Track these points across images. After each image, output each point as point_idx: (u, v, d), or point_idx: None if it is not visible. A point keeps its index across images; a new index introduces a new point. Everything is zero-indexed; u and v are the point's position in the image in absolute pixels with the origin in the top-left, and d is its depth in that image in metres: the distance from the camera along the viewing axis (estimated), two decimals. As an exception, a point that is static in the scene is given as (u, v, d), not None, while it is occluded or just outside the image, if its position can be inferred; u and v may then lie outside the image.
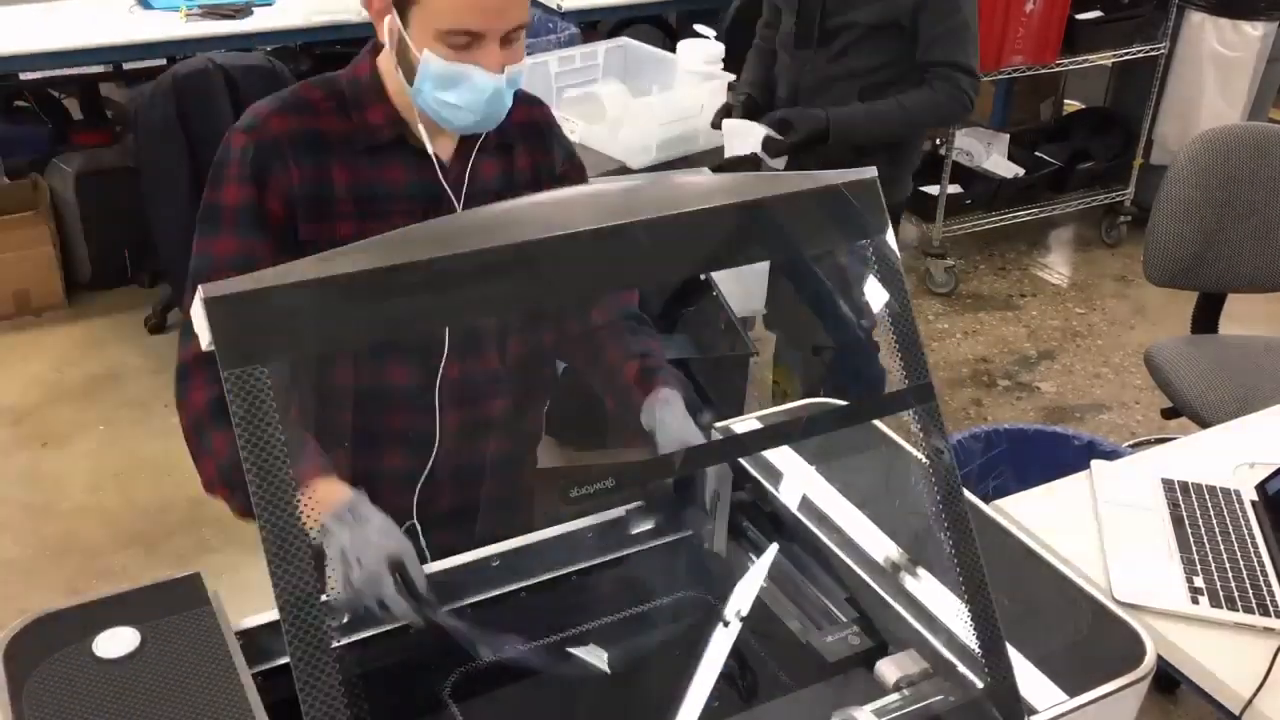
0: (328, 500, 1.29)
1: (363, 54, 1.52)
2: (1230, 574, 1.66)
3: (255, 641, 1.21)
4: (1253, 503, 1.81)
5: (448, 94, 1.42)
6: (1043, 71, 4.21)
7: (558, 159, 1.63)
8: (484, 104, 1.42)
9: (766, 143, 2.53)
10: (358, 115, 1.48)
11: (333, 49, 4.78)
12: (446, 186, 1.51)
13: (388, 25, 1.42)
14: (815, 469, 1.49)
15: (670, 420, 1.47)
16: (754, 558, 1.52)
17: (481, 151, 1.53)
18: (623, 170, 2.94)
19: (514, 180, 1.57)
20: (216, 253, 1.45)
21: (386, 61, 1.48)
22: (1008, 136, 4.61)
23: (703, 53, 3.16)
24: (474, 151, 1.52)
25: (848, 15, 2.54)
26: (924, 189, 4.28)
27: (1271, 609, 1.61)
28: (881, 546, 1.36)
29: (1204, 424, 2.49)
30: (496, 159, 1.56)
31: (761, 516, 1.50)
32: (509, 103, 1.46)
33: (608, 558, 1.49)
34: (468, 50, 1.39)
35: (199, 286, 0.90)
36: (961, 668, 1.21)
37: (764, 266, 2.53)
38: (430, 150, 1.49)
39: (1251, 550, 1.72)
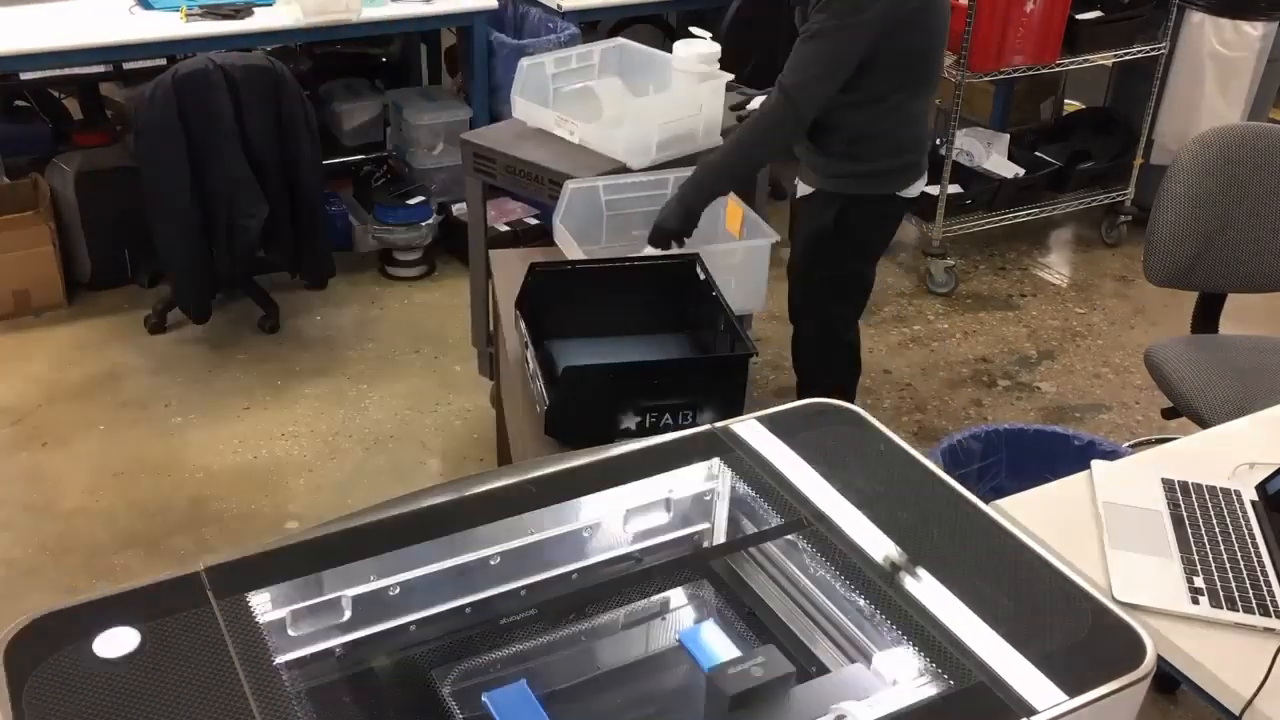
0: None
1: None
2: (1230, 574, 1.66)
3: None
4: (1253, 503, 1.81)
5: None
6: (1043, 71, 4.21)
7: None
8: None
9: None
10: None
11: (333, 49, 4.79)
12: None
13: None
14: (814, 467, 1.49)
15: None
16: (752, 555, 1.53)
17: None
18: (623, 170, 2.93)
19: None
20: None
21: None
22: (1008, 136, 4.61)
23: (698, 52, 3.15)
24: None
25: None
26: (924, 189, 4.27)
27: (1271, 609, 1.61)
28: (878, 544, 1.36)
29: (1204, 424, 2.49)
30: None
31: (759, 514, 1.50)
32: None
33: (607, 556, 1.49)
34: None
35: None
36: (956, 664, 1.21)
37: (764, 265, 2.53)
38: None
39: (1251, 550, 1.72)
